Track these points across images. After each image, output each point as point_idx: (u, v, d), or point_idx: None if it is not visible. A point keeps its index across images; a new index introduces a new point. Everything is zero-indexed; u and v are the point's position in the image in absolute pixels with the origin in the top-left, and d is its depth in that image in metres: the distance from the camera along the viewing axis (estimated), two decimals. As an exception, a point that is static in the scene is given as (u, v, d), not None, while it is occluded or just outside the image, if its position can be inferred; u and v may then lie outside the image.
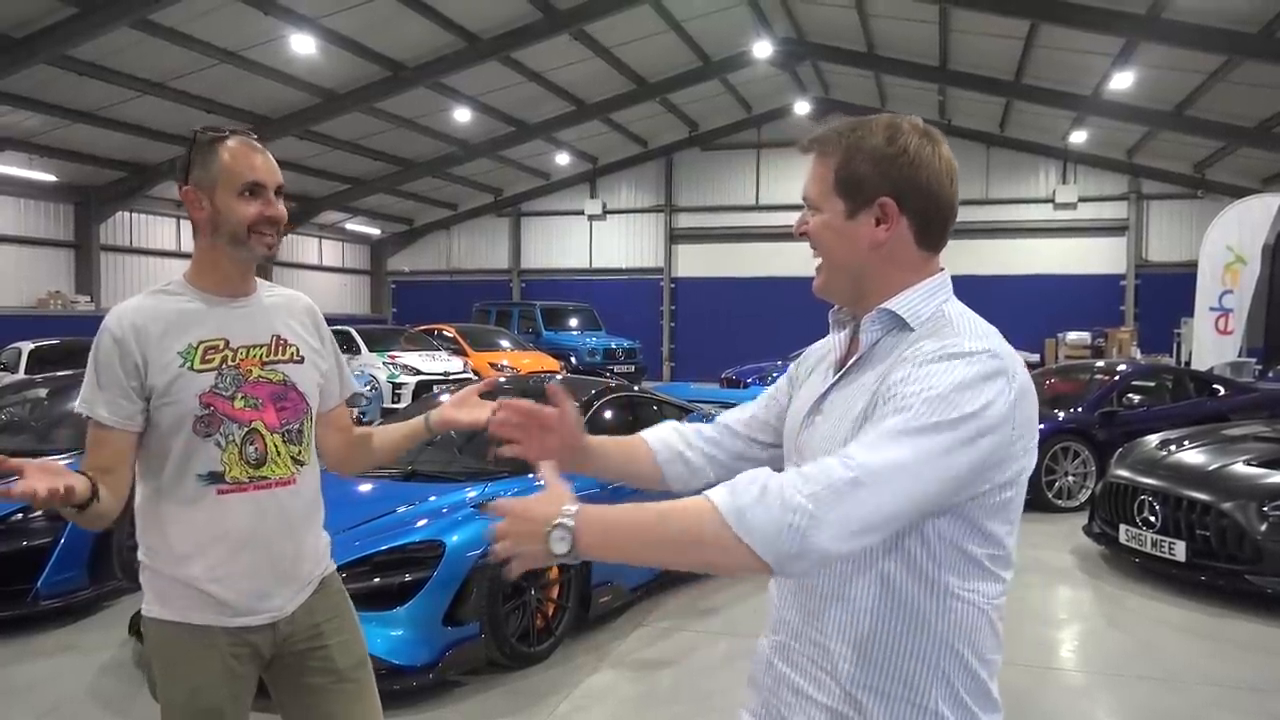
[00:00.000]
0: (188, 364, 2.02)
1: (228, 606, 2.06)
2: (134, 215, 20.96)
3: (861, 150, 1.46)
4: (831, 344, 1.63)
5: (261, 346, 2.12)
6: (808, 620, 1.48)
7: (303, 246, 25.88)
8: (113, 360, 1.99)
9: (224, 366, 2.06)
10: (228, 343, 2.07)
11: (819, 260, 1.56)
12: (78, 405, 2.04)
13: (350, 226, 26.54)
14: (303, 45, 14.48)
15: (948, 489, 1.30)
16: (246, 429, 2.06)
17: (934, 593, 1.39)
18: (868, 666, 1.41)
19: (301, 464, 2.16)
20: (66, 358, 12.40)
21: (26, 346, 12.73)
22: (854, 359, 1.50)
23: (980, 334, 1.40)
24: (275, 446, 2.10)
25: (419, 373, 14.93)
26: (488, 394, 2.44)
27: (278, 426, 2.10)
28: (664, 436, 1.78)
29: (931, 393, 1.29)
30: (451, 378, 15.05)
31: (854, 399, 1.44)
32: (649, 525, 1.29)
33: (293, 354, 2.16)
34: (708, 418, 6.40)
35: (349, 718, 2.23)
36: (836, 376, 1.52)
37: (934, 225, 1.48)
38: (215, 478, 2.04)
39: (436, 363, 15.59)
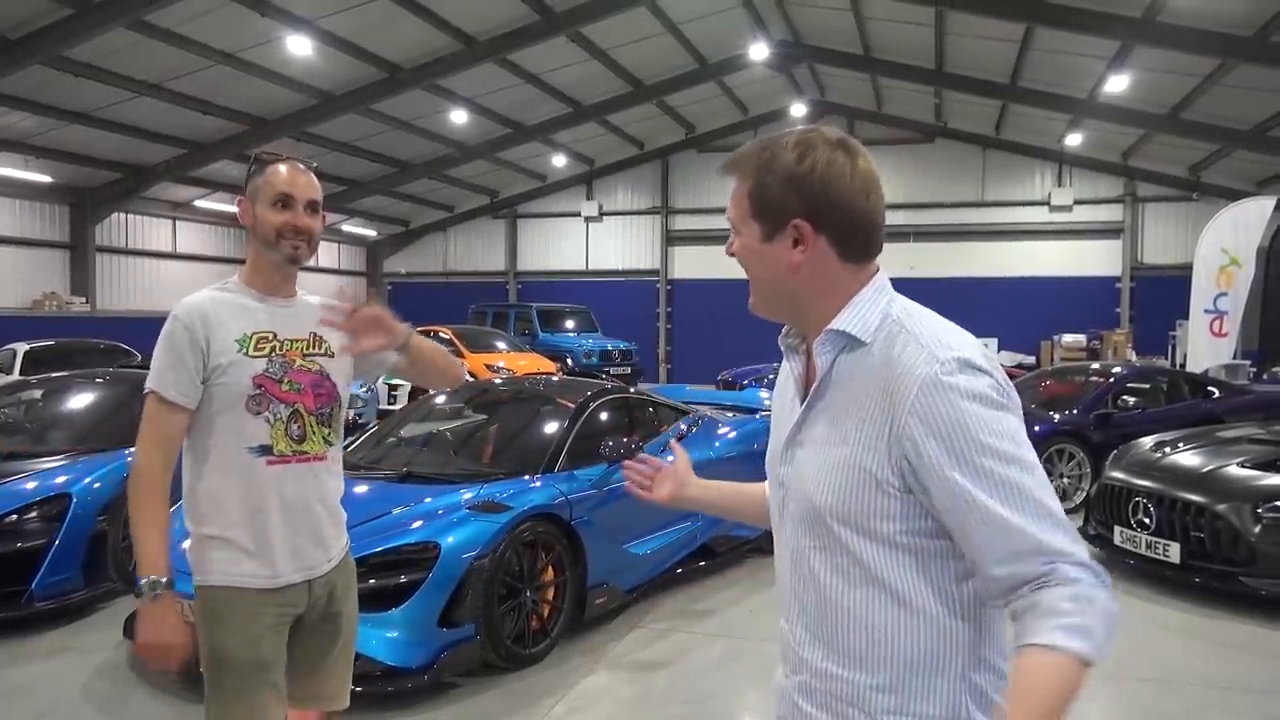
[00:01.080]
0: (244, 350, 2.34)
1: (274, 565, 2.34)
2: (130, 217, 20.92)
3: (773, 171, 1.44)
4: (790, 369, 1.60)
5: (303, 341, 2.45)
6: (831, 657, 1.46)
7: (299, 248, 25.84)
8: (182, 344, 2.29)
9: (274, 355, 2.38)
10: (276, 335, 2.41)
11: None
12: (149, 382, 2.31)
13: (346, 228, 26.52)
14: (299, 46, 14.46)
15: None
16: (291, 409, 2.38)
17: (957, 608, 1.41)
18: (901, 694, 1.41)
19: (330, 444, 2.47)
20: (62, 359, 12.39)
21: (21, 348, 12.70)
22: (815, 386, 1.48)
23: (944, 341, 1.39)
24: (312, 426, 2.42)
25: (415, 374, 14.89)
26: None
27: (314, 409, 2.42)
28: None
29: (988, 439, 1.33)
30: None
31: (830, 428, 1.44)
32: (1048, 701, 1.29)
33: (327, 349, 2.49)
34: (702, 419, 6.42)
35: (332, 680, 2.54)
36: (804, 406, 1.49)
37: (855, 239, 1.45)
38: (265, 450, 2.34)
39: (433, 364, 15.55)
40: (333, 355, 2.49)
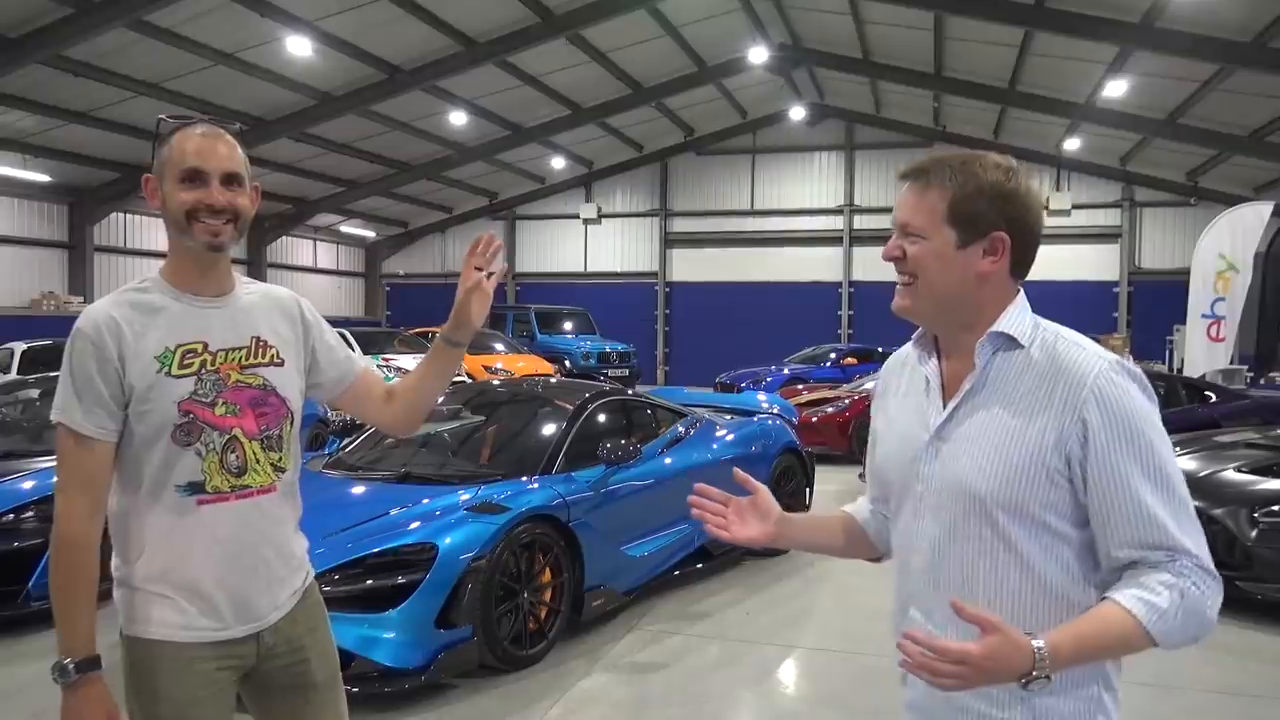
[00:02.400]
0: (165, 369, 1.92)
1: (212, 619, 1.98)
2: (128, 216, 20.92)
3: (980, 185, 1.56)
4: (909, 368, 1.74)
5: (241, 349, 2.02)
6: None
7: (297, 248, 25.84)
8: (89, 365, 1.89)
9: (203, 371, 1.96)
10: (206, 346, 1.98)
11: (907, 282, 1.62)
12: (53, 414, 1.92)
13: (345, 229, 26.52)
14: (299, 47, 14.47)
15: None
16: (227, 437, 1.96)
17: (1093, 595, 1.53)
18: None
19: (282, 470, 2.07)
20: (59, 358, 12.37)
21: (19, 347, 12.70)
22: (968, 383, 1.59)
23: (1101, 348, 1.55)
24: (254, 454, 2.01)
25: (412, 375, 14.90)
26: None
27: (256, 433, 2.01)
28: (860, 510, 1.93)
29: (1151, 433, 1.50)
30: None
31: (996, 423, 1.55)
32: (1099, 653, 1.49)
33: (272, 356, 2.06)
34: (700, 421, 6.42)
35: None
36: (956, 402, 1.60)
37: (1029, 257, 1.61)
38: (195, 488, 1.95)
39: (430, 365, 15.56)
40: (282, 363, 2.07)
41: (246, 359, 2.02)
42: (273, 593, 2.07)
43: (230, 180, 1.97)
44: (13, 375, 11.62)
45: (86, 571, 1.89)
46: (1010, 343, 1.57)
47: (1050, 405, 1.50)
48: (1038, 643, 1.39)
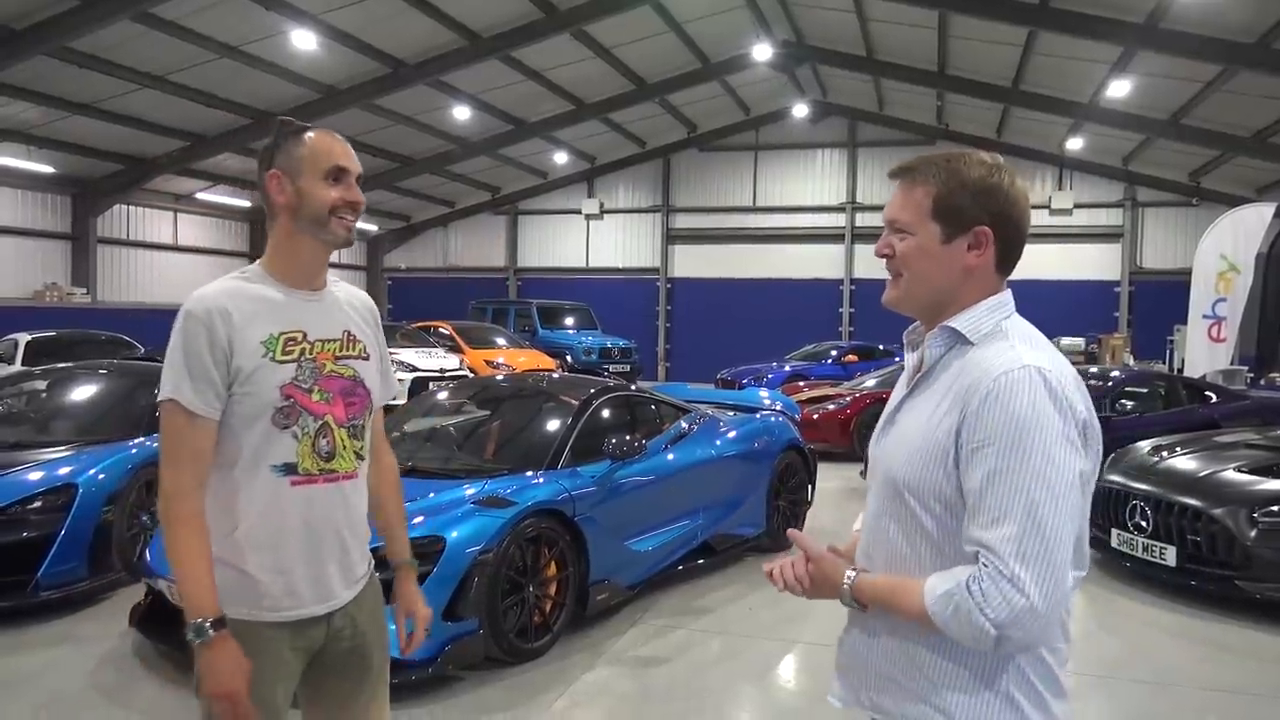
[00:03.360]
0: (270, 354, 2.03)
1: (291, 598, 2.08)
2: (131, 208, 20.95)
3: (965, 181, 1.62)
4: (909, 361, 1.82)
5: (335, 341, 2.14)
6: (891, 624, 1.66)
7: (299, 242, 25.88)
8: (200, 345, 1.98)
9: (303, 359, 2.07)
10: (305, 335, 2.09)
11: (896, 276, 1.69)
12: (164, 391, 2.00)
13: (348, 222, 26.53)
14: (304, 41, 14.49)
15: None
16: (320, 422, 2.08)
17: None
18: (945, 662, 1.59)
19: (362, 459, 2.18)
20: (64, 350, 12.43)
21: (23, 338, 12.75)
22: (920, 373, 1.68)
23: (1032, 352, 1.57)
24: (342, 441, 2.11)
25: (415, 369, 14.89)
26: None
27: (345, 421, 2.12)
28: None
29: (1032, 437, 1.51)
30: (447, 375, 15.06)
31: (922, 412, 1.63)
32: (895, 609, 1.62)
33: (360, 350, 2.19)
34: (704, 417, 6.44)
35: (369, 716, 2.27)
36: (906, 391, 1.71)
37: (1013, 253, 1.67)
38: (289, 469, 2.05)
39: (433, 360, 15.58)
40: (367, 357, 2.20)
41: (340, 350, 2.15)
42: (345, 575, 2.17)
43: (359, 180, 2.15)
44: (17, 366, 11.66)
45: (201, 539, 1.99)
46: (960, 338, 1.62)
47: (958, 396, 1.55)
48: (850, 573, 1.66)
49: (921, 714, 1.61)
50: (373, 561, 2.30)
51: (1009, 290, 1.68)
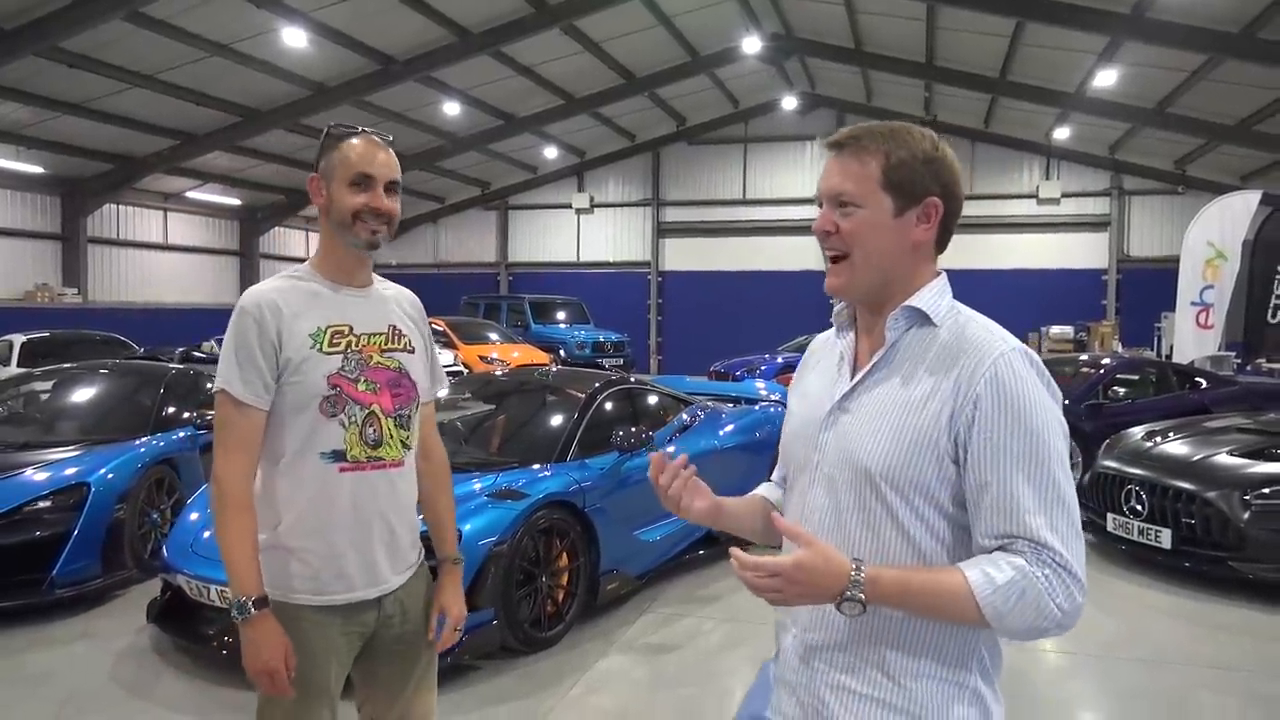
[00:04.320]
0: (318, 345, 2.14)
1: (342, 583, 2.16)
2: (122, 208, 20.88)
3: (913, 151, 1.55)
4: (830, 343, 1.73)
5: (380, 334, 2.24)
6: (853, 623, 1.54)
7: (289, 239, 25.85)
8: (251, 338, 2.10)
9: (349, 350, 2.17)
10: (352, 328, 2.20)
11: (842, 258, 1.58)
12: (218, 381, 2.12)
13: (337, 219, 26.48)
14: (294, 38, 14.47)
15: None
16: (367, 411, 2.17)
17: None
18: (919, 654, 1.52)
19: (408, 448, 2.27)
20: (60, 350, 12.43)
21: (19, 339, 12.74)
22: (876, 356, 1.58)
23: (1009, 335, 1.55)
24: (389, 430, 2.20)
25: (410, 365, 14.95)
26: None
27: (392, 411, 2.21)
28: (771, 491, 1.89)
29: (1040, 419, 1.48)
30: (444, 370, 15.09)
31: (893, 396, 1.53)
32: (924, 606, 1.46)
33: (406, 344, 2.29)
34: (706, 409, 6.52)
35: (419, 700, 2.37)
36: (861, 374, 1.59)
37: (951, 226, 1.61)
38: (338, 456, 2.14)
39: (428, 355, 15.62)
40: (413, 350, 2.30)
41: (386, 344, 2.25)
42: (395, 560, 2.26)
43: (391, 187, 2.22)
44: (13, 367, 11.66)
45: (249, 523, 2.09)
46: (923, 319, 1.56)
47: (947, 384, 1.48)
48: (858, 567, 1.42)
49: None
50: (423, 550, 2.38)
51: (944, 271, 1.64)
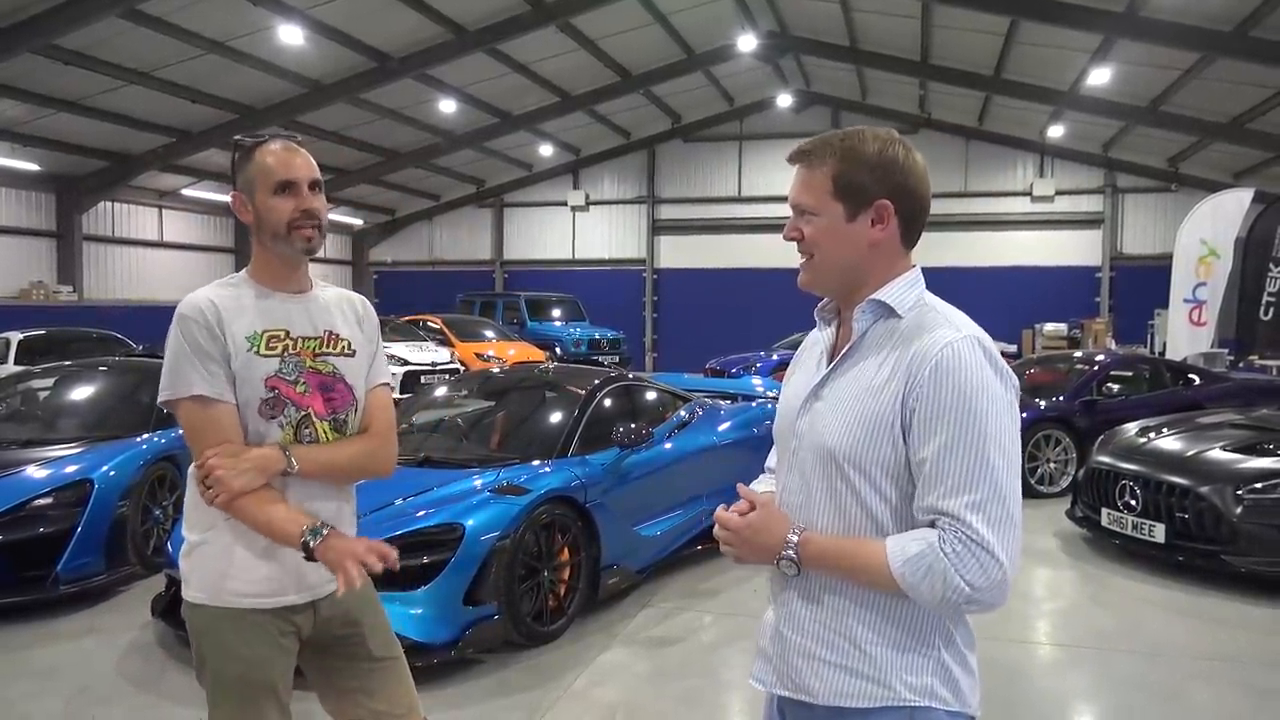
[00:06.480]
0: (254, 348, 2.13)
1: (273, 585, 2.14)
2: (117, 205, 20.82)
3: (859, 158, 1.64)
4: (817, 339, 1.82)
5: (315, 339, 2.23)
6: (825, 588, 1.65)
7: (285, 237, 25.79)
8: (200, 339, 2.09)
9: (286, 354, 2.17)
10: (288, 332, 2.19)
11: (807, 259, 1.72)
12: (175, 392, 2.10)
13: (333, 216, 26.38)
14: (290, 36, 14.45)
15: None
16: (302, 413, 2.17)
17: None
18: (883, 624, 1.61)
19: None
20: (56, 348, 12.43)
21: (15, 336, 12.73)
22: (846, 347, 1.68)
23: (968, 323, 1.63)
24: (325, 433, 2.20)
25: (406, 363, 14.96)
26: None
27: (325, 415, 2.21)
28: (766, 483, 1.95)
29: (985, 405, 1.54)
30: (439, 368, 15.14)
31: (856, 383, 1.63)
32: (849, 570, 1.60)
33: (344, 348, 2.27)
34: (704, 405, 6.58)
35: (385, 697, 2.33)
36: (833, 364, 1.69)
37: (916, 223, 1.69)
38: None
39: (424, 353, 15.65)
40: (353, 353, 2.29)
41: (319, 348, 2.24)
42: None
43: (314, 186, 2.20)
44: (10, 365, 11.66)
45: (261, 494, 2.08)
46: (889, 312, 1.64)
47: (900, 368, 1.57)
48: (796, 530, 1.61)
49: (855, 688, 1.60)
50: None
51: (918, 266, 1.71)
